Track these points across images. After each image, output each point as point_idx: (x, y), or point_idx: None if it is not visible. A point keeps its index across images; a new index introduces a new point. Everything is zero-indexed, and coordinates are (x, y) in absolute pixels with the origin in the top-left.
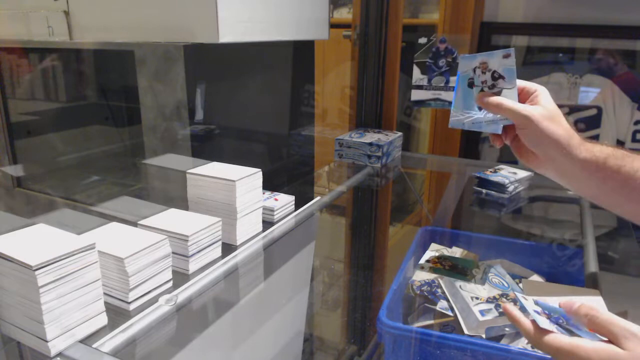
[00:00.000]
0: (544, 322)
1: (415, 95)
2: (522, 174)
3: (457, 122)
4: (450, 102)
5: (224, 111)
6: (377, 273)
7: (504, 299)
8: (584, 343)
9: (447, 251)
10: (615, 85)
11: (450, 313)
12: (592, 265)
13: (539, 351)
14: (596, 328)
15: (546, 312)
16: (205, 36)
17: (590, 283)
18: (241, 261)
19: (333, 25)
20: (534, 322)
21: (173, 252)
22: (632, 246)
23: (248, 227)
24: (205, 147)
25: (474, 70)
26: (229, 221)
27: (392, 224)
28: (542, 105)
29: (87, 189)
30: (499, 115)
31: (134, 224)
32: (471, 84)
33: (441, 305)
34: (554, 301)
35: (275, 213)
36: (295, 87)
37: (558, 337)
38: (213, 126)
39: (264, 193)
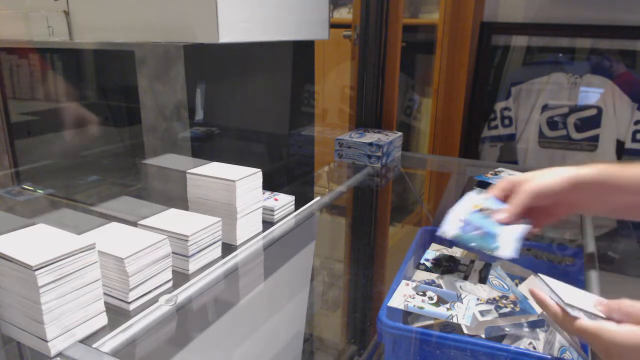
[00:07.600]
0: (574, 311)
1: None
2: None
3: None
4: None
5: (224, 111)
6: (377, 273)
7: (504, 301)
8: (609, 325)
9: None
10: (615, 86)
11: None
12: (592, 265)
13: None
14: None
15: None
16: (205, 36)
17: (590, 283)
18: (241, 261)
19: (333, 25)
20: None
21: (173, 252)
22: (632, 246)
23: (248, 227)
24: (205, 147)
25: None
26: (229, 221)
27: (392, 224)
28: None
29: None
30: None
31: (134, 224)
32: None
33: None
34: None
35: (275, 213)
36: (295, 87)
37: (584, 321)
38: (213, 126)
39: (264, 193)
